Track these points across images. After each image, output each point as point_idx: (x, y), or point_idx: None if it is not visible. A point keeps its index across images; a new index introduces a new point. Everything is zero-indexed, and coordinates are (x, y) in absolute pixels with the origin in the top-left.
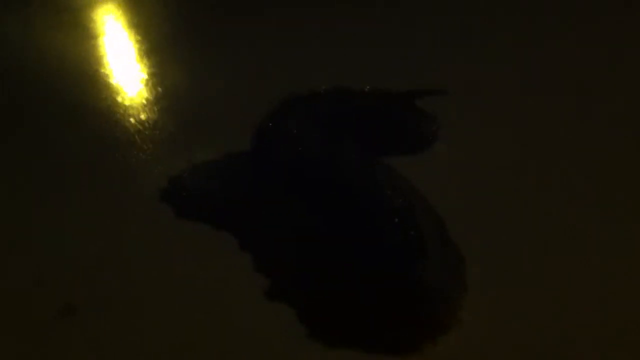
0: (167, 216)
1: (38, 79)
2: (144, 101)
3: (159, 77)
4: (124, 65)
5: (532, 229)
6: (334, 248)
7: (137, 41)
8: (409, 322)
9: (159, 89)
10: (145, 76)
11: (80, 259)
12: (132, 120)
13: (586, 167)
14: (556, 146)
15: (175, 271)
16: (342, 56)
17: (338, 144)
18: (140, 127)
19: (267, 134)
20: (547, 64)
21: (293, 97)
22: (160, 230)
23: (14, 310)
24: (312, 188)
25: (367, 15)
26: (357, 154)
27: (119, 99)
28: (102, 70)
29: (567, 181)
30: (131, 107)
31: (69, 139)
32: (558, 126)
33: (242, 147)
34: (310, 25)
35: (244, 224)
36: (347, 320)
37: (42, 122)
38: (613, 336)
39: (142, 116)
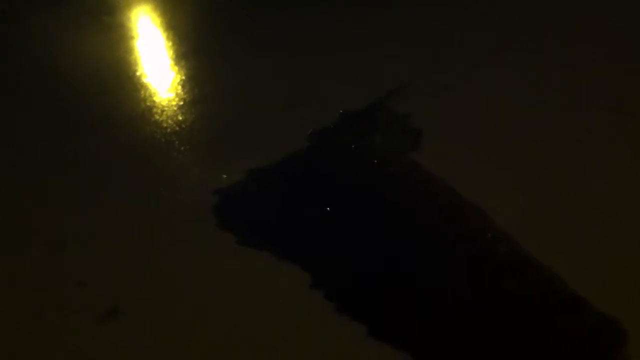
0: (206, 219)
1: (75, 80)
2: (182, 103)
3: (197, 79)
4: (162, 67)
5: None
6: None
7: (176, 43)
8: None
9: (197, 91)
10: (184, 78)
11: (123, 262)
12: (170, 122)
13: (591, 168)
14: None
15: (216, 275)
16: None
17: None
18: (178, 129)
19: (311, 141)
20: (546, 65)
21: (339, 103)
22: (200, 234)
23: (58, 312)
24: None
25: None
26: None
27: (157, 100)
28: (140, 72)
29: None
30: (169, 109)
31: (108, 141)
32: (559, 126)
33: (283, 153)
34: (352, 25)
35: (287, 233)
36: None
37: (81, 125)
38: None
39: (181, 118)
